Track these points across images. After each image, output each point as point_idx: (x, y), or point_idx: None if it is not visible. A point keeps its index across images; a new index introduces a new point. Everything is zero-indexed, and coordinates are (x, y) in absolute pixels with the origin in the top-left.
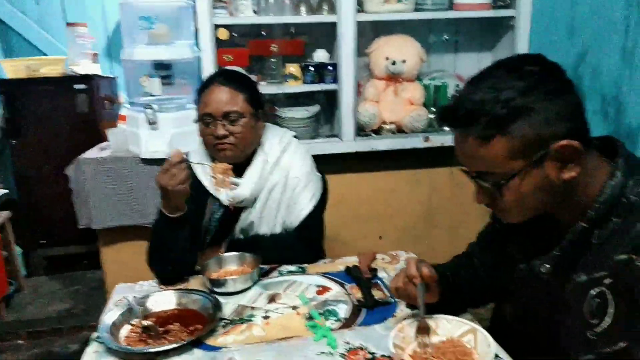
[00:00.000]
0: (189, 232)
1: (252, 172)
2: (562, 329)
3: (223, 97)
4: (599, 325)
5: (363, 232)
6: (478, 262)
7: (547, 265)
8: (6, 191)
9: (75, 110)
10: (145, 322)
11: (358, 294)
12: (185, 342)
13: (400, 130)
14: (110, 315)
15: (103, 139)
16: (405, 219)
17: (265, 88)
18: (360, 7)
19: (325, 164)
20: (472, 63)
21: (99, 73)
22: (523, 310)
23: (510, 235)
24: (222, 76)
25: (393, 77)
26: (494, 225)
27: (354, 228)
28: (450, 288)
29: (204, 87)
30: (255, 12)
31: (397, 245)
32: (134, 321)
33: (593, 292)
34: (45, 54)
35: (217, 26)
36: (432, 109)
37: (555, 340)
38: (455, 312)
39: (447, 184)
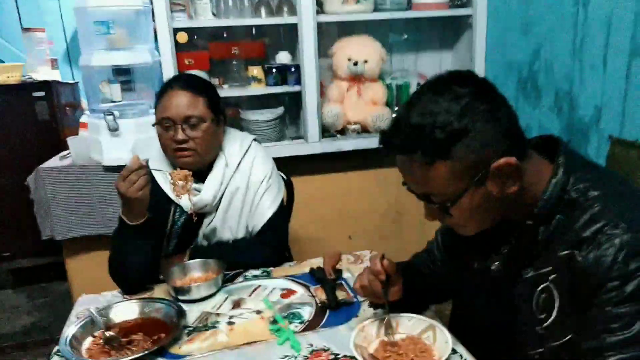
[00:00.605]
0: (150, 239)
1: (213, 177)
2: (516, 324)
3: (183, 101)
4: (547, 320)
5: (332, 233)
6: (437, 258)
7: (497, 263)
8: None
9: (36, 117)
10: (108, 333)
11: (322, 296)
12: (148, 352)
13: (365, 130)
14: (71, 328)
15: (66, 146)
16: (373, 218)
17: (228, 91)
18: (320, 8)
19: (292, 166)
20: (433, 62)
21: (59, 79)
22: (479, 306)
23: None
24: (182, 80)
25: (355, 78)
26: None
27: (324, 229)
28: (411, 285)
29: (163, 91)
30: (214, 14)
31: (366, 244)
32: (97, 333)
33: (540, 287)
34: (1, 61)
35: (176, 30)
36: (395, 108)
37: (511, 335)
38: (418, 308)
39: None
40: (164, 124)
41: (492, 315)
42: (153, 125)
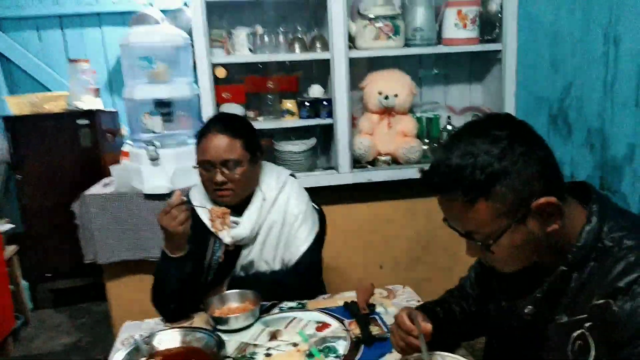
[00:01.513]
0: (190, 270)
1: (251, 211)
2: None
3: (221, 145)
4: None
5: (362, 262)
6: (469, 295)
7: (530, 307)
8: (12, 226)
9: (79, 144)
10: None
11: (356, 330)
12: None
13: (395, 162)
14: (118, 355)
15: (106, 171)
16: (403, 248)
17: (263, 123)
18: (352, 43)
19: (323, 196)
20: (463, 95)
21: (101, 107)
22: (509, 346)
23: (494, 273)
24: (220, 123)
25: (386, 111)
26: (482, 261)
27: (354, 258)
28: (441, 324)
29: (203, 133)
30: (251, 50)
31: (395, 274)
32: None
33: (575, 334)
34: (48, 89)
35: (214, 65)
36: (426, 140)
37: None
38: (449, 346)
39: (442, 213)
40: (204, 166)
41: (522, 355)
42: (194, 167)
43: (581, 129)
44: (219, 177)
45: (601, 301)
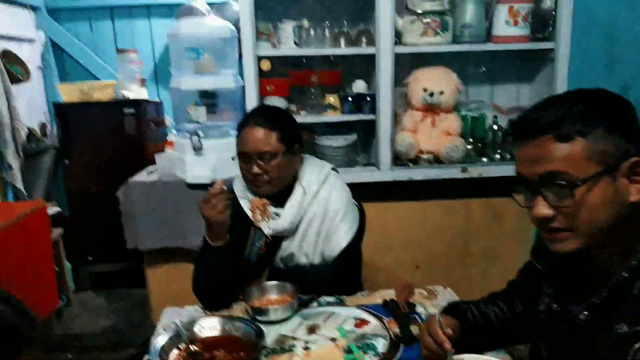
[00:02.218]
0: (230, 260)
1: (292, 203)
2: None
3: (257, 137)
4: None
5: (399, 261)
6: (516, 298)
7: (586, 313)
8: (59, 209)
9: (124, 132)
10: (192, 347)
11: (396, 329)
12: None
13: (437, 160)
14: (160, 339)
15: (149, 159)
16: (441, 249)
17: (305, 117)
18: (398, 39)
19: (362, 192)
20: (509, 94)
21: (146, 97)
22: (558, 354)
23: (547, 276)
24: (258, 115)
25: (430, 108)
26: (532, 263)
27: (390, 256)
28: (471, 328)
29: (242, 125)
30: (296, 43)
31: (432, 274)
32: (181, 345)
33: (637, 346)
34: (97, 78)
35: (260, 57)
36: (470, 139)
37: None
38: (487, 350)
39: (483, 214)
40: (242, 158)
41: None
42: (232, 158)
43: None
44: (255, 169)
45: None
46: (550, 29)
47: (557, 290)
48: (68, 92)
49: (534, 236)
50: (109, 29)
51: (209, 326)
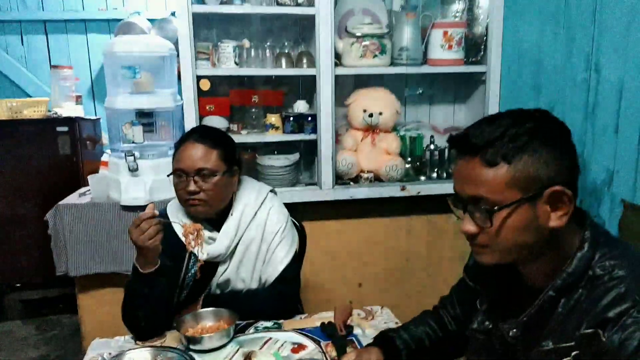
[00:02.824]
0: (161, 287)
1: (228, 227)
2: None
3: (197, 154)
4: None
5: (342, 279)
6: (448, 316)
7: (515, 330)
8: None
9: (58, 151)
10: None
11: (333, 352)
12: None
13: (377, 179)
14: None
15: (85, 180)
16: (383, 267)
17: (246, 137)
18: (338, 60)
19: (305, 212)
20: (446, 115)
21: (82, 115)
22: None
23: (479, 293)
24: (198, 133)
25: (370, 128)
26: (465, 280)
27: (333, 275)
28: (408, 355)
29: (181, 142)
30: (236, 63)
31: (375, 292)
32: None
33: None
34: (29, 95)
35: (199, 77)
36: (408, 158)
37: None
38: None
39: (424, 231)
40: (178, 174)
41: None
42: (168, 175)
43: None
44: (192, 186)
45: (590, 330)
46: (482, 53)
47: (490, 307)
48: None
49: (470, 252)
50: (42, 43)
51: (139, 358)
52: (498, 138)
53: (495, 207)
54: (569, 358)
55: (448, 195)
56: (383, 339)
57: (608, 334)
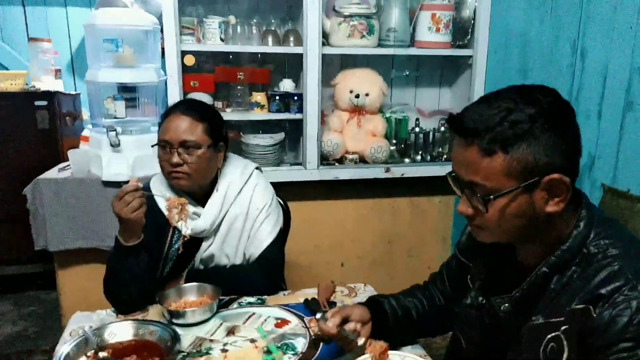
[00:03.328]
0: (145, 260)
1: (213, 203)
2: None
3: (182, 126)
4: None
5: (325, 259)
6: (437, 291)
7: (507, 305)
8: None
9: (36, 126)
10: (101, 354)
11: (316, 328)
12: None
13: (362, 160)
14: (65, 346)
15: (64, 156)
16: (366, 247)
17: (231, 115)
18: (325, 40)
19: (289, 192)
20: (432, 98)
21: (62, 89)
22: (478, 345)
23: (472, 269)
24: (185, 105)
25: (356, 109)
26: (458, 257)
27: (317, 255)
28: (394, 320)
29: (166, 114)
30: (222, 39)
31: (358, 272)
32: (90, 352)
33: (549, 336)
34: (6, 68)
35: (183, 52)
36: (394, 140)
37: None
38: (406, 341)
39: (407, 213)
40: (162, 146)
41: (489, 353)
42: (152, 146)
43: None
44: (175, 158)
45: (581, 306)
46: (469, 37)
47: (483, 284)
48: None
49: (451, 234)
50: (19, 15)
51: (121, 331)
52: (497, 124)
53: (491, 196)
54: (557, 332)
55: (449, 172)
56: (371, 301)
57: (599, 310)
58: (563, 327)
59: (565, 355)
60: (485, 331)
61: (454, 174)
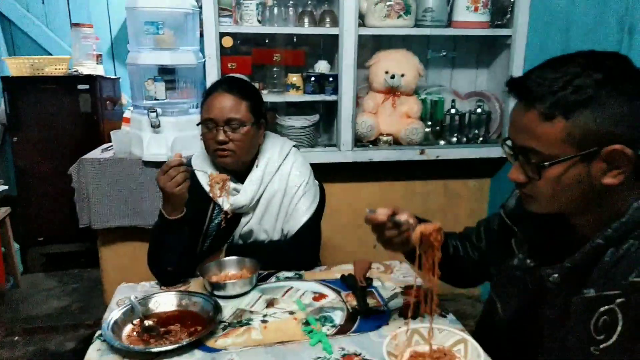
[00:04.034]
0: (186, 234)
1: (252, 179)
2: (557, 339)
3: (226, 104)
4: (606, 342)
5: (359, 240)
6: (472, 245)
7: (556, 276)
8: (6, 187)
9: (78, 110)
10: (147, 322)
11: (353, 302)
12: (185, 343)
13: (397, 142)
14: (113, 314)
15: (104, 138)
16: None
17: (267, 96)
18: (361, 20)
19: (323, 173)
20: (468, 79)
21: (103, 74)
22: (513, 310)
23: (517, 233)
24: (227, 83)
25: (391, 91)
26: (502, 218)
27: (350, 236)
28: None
29: (210, 92)
30: (259, 21)
31: (390, 254)
32: (136, 321)
33: (602, 309)
34: (50, 54)
35: (222, 34)
36: (429, 122)
37: (548, 350)
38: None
39: (441, 195)
40: (207, 125)
41: (529, 323)
42: (198, 124)
43: None
44: (221, 136)
45: (639, 279)
46: (509, 16)
47: (530, 248)
48: (17, 66)
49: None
50: (62, 2)
51: (165, 301)
52: (561, 88)
53: (546, 163)
54: (612, 305)
55: (504, 139)
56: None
57: None
58: (619, 300)
59: (619, 329)
60: (527, 298)
61: (508, 141)
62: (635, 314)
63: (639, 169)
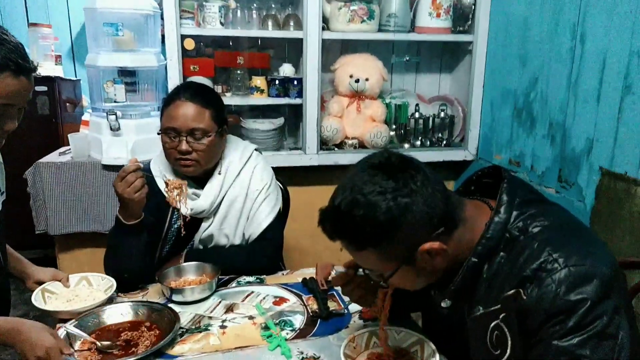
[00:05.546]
0: (144, 240)
1: (213, 184)
2: (472, 355)
3: (189, 113)
4: (502, 357)
5: (324, 244)
6: None
7: (447, 300)
8: None
9: (37, 112)
10: (100, 344)
11: (314, 305)
12: (145, 354)
13: (362, 146)
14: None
15: (64, 142)
16: None
17: (231, 99)
18: (326, 24)
19: (289, 176)
20: (432, 83)
21: (62, 75)
22: (439, 331)
23: None
24: (190, 91)
25: (356, 94)
26: None
27: (316, 240)
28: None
29: (171, 99)
30: (222, 24)
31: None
32: (78, 343)
33: (492, 324)
34: None
35: (183, 36)
36: (393, 126)
37: None
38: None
39: None
40: (168, 134)
41: (450, 341)
42: (158, 133)
43: (544, 122)
44: (184, 146)
45: (512, 292)
46: (470, 22)
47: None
48: None
49: None
50: (19, 1)
51: (121, 312)
52: (356, 224)
53: (384, 277)
54: (497, 321)
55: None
56: None
57: (528, 292)
58: (501, 315)
59: (509, 343)
60: (441, 322)
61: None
62: (517, 326)
63: (447, 215)
